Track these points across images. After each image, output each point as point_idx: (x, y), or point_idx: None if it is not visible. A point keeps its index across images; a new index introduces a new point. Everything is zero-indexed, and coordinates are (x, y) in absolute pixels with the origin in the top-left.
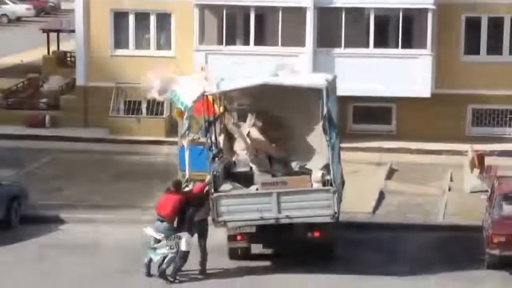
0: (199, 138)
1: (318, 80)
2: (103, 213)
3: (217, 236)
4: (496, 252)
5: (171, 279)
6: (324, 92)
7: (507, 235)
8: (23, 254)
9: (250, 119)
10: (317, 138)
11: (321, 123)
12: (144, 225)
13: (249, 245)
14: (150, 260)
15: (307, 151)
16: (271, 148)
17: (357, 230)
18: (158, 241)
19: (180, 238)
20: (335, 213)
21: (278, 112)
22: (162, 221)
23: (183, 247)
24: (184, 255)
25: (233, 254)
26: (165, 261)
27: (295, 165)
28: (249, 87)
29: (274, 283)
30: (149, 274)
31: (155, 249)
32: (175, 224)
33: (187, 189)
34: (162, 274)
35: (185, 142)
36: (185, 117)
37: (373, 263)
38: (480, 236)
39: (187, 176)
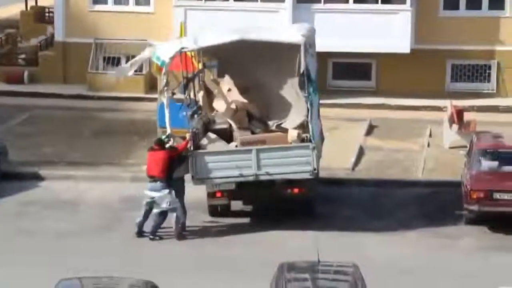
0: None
1: (296, 35)
2: (82, 169)
3: (196, 193)
4: (474, 207)
5: (151, 236)
6: (302, 48)
7: (485, 190)
8: (3, 211)
9: (227, 76)
10: (295, 94)
11: (298, 79)
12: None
13: (228, 202)
14: (143, 221)
15: (285, 108)
16: (250, 105)
17: (337, 186)
18: (152, 201)
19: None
20: (314, 169)
21: (256, 68)
22: (155, 181)
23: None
24: (165, 213)
25: (213, 211)
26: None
27: (272, 123)
28: (226, 42)
29: (253, 240)
30: (140, 234)
31: (151, 206)
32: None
33: (168, 145)
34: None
35: (164, 98)
36: (163, 72)
37: (352, 219)
38: (459, 192)
39: (168, 132)
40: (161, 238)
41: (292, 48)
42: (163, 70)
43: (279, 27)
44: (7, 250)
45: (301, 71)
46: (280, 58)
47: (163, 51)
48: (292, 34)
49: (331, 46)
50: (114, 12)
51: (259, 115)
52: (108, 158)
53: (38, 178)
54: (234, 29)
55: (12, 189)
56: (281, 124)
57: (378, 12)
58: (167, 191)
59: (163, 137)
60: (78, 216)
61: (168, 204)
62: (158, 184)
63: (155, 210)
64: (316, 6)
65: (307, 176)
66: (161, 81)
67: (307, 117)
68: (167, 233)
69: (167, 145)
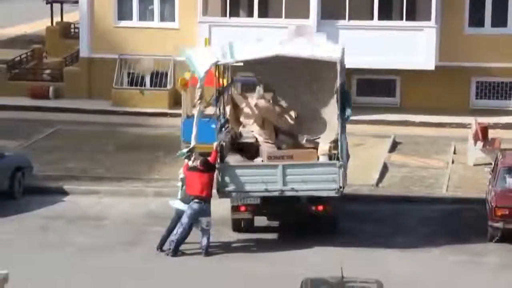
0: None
1: (333, 52)
2: (106, 185)
3: (221, 208)
4: (499, 225)
5: (173, 253)
6: (339, 65)
7: (510, 208)
8: (26, 226)
9: (259, 90)
10: (327, 111)
11: (333, 96)
12: (171, 198)
13: (252, 217)
14: (167, 236)
15: (315, 124)
16: (278, 119)
17: (360, 202)
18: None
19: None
20: (340, 187)
21: (291, 83)
22: (203, 202)
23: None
24: (190, 230)
25: (236, 225)
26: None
27: (302, 138)
28: (263, 57)
29: (277, 256)
30: (162, 248)
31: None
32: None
33: (192, 161)
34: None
35: (195, 112)
36: (198, 85)
37: (376, 236)
38: (483, 209)
39: (192, 144)
40: (183, 253)
41: (329, 65)
42: (199, 84)
43: (315, 42)
44: (31, 264)
45: (337, 88)
46: (315, 74)
47: (199, 62)
48: (329, 51)
49: (356, 62)
50: (139, 28)
51: (287, 129)
52: (132, 173)
53: (62, 192)
54: (269, 43)
55: (36, 203)
56: (312, 139)
57: (402, 28)
58: (210, 212)
59: (185, 151)
60: (102, 231)
61: (207, 224)
62: (205, 205)
63: (185, 226)
64: (341, 22)
65: (332, 194)
66: (196, 94)
67: (338, 134)
68: (189, 249)
69: (191, 163)
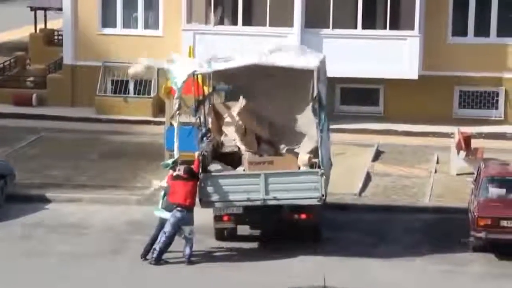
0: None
1: (310, 61)
2: (89, 192)
3: (203, 217)
4: (481, 234)
5: (155, 261)
6: (316, 74)
7: (493, 218)
8: (9, 233)
9: (241, 99)
10: (306, 120)
11: (310, 105)
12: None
13: (235, 226)
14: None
15: (296, 133)
16: (259, 129)
17: (343, 211)
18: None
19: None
20: (323, 195)
21: (269, 92)
22: (186, 210)
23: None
24: (173, 239)
25: (219, 234)
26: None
27: (283, 147)
28: (240, 66)
29: (260, 265)
30: (146, 257)
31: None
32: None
33: (176, 172)
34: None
35: (175, 122)
36: (175, 96)
37: (359, 245)
38: (466, 219)
39: (176, 156)
40: (166, 262)
41: (306, 74)
42: (176, 94)
43: (292, 50)
44: (11, 271)
45: (314, 97)
46: (293, 83)
47: (177, 73)
48: (306, 60)
49: (339, 71)
50: (123, 36)
51: (268, 139)
52: (115, 181)
53: (45, 200)
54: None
55: (18, 211)
56: (292, 148)
57: (386, 38)
58: (193, 220)
59: (169, 161)
60: (84, 239)
61: (190, 232)
62: (187, 214)
63: (168, 234)
64: (325, 31)
65: (315, 202)
66: (174, 105)
67: (318, 143)
68: (173, 258)
69: (175, 173)
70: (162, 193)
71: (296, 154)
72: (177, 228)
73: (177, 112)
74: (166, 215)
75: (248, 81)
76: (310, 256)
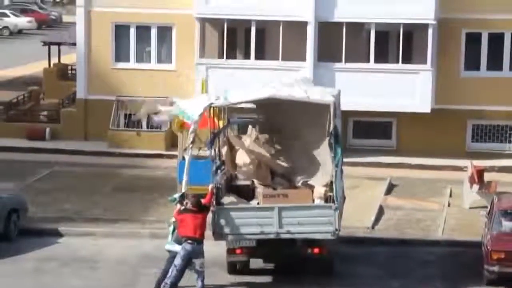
0: (200, 150)
1: (327, 95)
2: (102, 226)
3: (216, 250)
4: (495, 268)
5: None
6: (332, 108)
7: (506, 251)
8: (22, 267)
9: (253, 132)
10: (321, 153)
11: (326, 139)
12: (163, 241)
13: (248, 260)
14: (162, 278)
15: (311, 167)
16: (273, 162)
17: (356, 245)
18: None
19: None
20: (336, 230)
21: (283, 125)
22: (196, 242)
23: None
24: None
25: (232, 268)
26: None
27: (298, 180)
28: (256, 99)
29: None
30: None
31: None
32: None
33: (184, 205)
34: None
35: (186, 156)
36: (191, 129)
37: (372, 279)
38: (479, 252)
39: (184, 190)
40: None
41: (322, 108)
42: (192, 127)
43: (309, 85)
44: None
45: (330, 131)
46: (309, 117)
47: (192, 107)
48: (322, 94)
49: (352, 104)
50: (136, 70)
51: (283, 172)
52: (128, 215)
53: (57, 234)
54: (264, 86)
55: (31, 245)
56: (307, 181)
57: (399, 71)
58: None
59: (176, 196)
60: (97, 273)
61: (201, 266)
62: (199, 246)
63: (179, 268)
64: (338, 65)
65: (328, 236)
66: (188, 138)
67: (333, 177)
68: None
69: (183, 206)
70: (171, 227)
71: (311, 187)
72: (187, 261)
73: (191, 146)
74: (176, 248)
75: (263, 113)
76: None
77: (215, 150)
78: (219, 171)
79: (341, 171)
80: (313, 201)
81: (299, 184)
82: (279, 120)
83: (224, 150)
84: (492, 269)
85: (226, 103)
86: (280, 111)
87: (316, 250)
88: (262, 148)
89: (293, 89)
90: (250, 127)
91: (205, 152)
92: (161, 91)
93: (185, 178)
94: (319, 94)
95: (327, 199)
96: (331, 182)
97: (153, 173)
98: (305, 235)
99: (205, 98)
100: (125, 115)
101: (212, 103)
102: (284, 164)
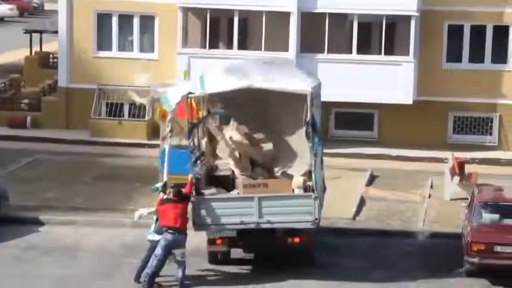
0: (180, 142)
1: (303, 85)
2: (83, 215)
3: (197, 240)
4: (475, 260)
5: (148, 286)
6: (309, 98)
7: (486, 243)
8: (2, 255)
9: (232, 123)
10: (299, 143)
11: (303, 129)
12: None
13: (229, 250)
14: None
15: (290, 156)
16: (253, 152)
17: (338, 236)
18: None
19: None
20: (316, 219)
21: (263, 115)
22: (177, 232)
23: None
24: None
25: (213, 258)
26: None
27: (277, 170)
28: (234, 89)
29: None
30: (138, 280)
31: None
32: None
33: (166, 195)
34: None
35: (166, 145)
36: (168, 119)
37: (353, 269)
38: (459, 244)
39: (165, 179)
40: (159, 285)
41: (299, 98)
42: (169, 117)
43: (287, 73)
44: None
45: (307, 120)
46: (286, 107)
47: (172, 95)
48: (299, 84)
49: (334, 96)
50: (118, 59)
51: (263, 162)
52: (110, 204)
53: (39, 223)
54: (240, 73)
55: (11, 233)
56: (286, 171)
57: (381, 63)
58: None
59: (158, 185)
60: (78, 262)
61: (182, 256)
62: (178, 236)
63: (160, 257)
64: (320, 56)
65: (308, 226)
66: (166, 127)
67: (311, 166)
68: (166, 281)
69: (165, 196)
70: (155, 217)
71: (291, 177)
72: (168, 251)
73: (169, 135)
74: (157, 238)
75: (241, 103)
76: (303, 280)
77: (193, 141)
78: (198, 161)
79: (321, 161)
80: (293, 190)
81: (278, 174)
82: (258, 110)
83: (204, 141)
84: (472, 261)
85: (203, 93)
86: (258, 101)
87: (296, 240)
88: (242, 138)
89: (270, 79)
90: (232, 119)
91: (186, 142)
92: (143, 80)
93: (166, 167)
94: (296, 84)
95: (306, 188)
96: (310, 172)
97: (135, 162)
98: (285, 225)
99: (183, 86)
100: (107, 104)
101: (190, 93)
102: (264, 154)
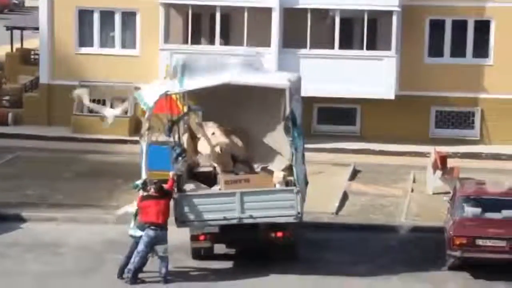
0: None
1: (282, 80)
2: (65, 212)
3: (180, 236)
4: (457, 253)
5: (131, 282)
6: (287, 92)
7: (468, 237)
8: None
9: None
10: (279, 138)
11: (283, 123)
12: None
13: (212, 245)
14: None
15: (270, 152)
16: (235, 148)
17: (320, 230)
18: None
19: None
20: (298, 213)
21: (242, 111)
22: (159, 228)
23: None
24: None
25: (196, 254)
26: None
27: (257, 166)
28: (212, 86)
29: (237, 284)
30: (121, 276)
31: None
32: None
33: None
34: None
35: (143, 142)
36: (146, 116)
37: (336, 264)
38: (441, 238)
39: (144, 177)
40: (142, 281)
41: (278, 93)
42: (146, 114)
43: (264, 69)
44: None
45: (286, 115)
46: (265, 102)
47: (148, 94)
48: (277, 78)
49: (316, 91)
50: (100, 55)
51: (244, 158)
52: (91, 200)
53: (20, 219)
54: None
55: None
56: (266, 166)
57: (363, 58)
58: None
59: (138, 182)
60: (60, 258)
61: (164, 251)
62: (162, 232)
63: (142, 254)
64: (302, 51)
65: (291, 220)
66: (143, 125)
67: (292, 161)
68: (149, 277)
69: (145, 193)
70: (134, 212)
71: (271, 172)
72: (150, 247)
73: (147, 133)
74: (139, 234)
75: (221, 100)
76: (287, 275)
77: (174, 138)
78: (180, 158)
79: (303, 156)
80: (274, 185)
81: (258, 170)
82: (238, 105)
83: (185, 137)
84: (454, 255)
85: (181, 90)
86: (238, 97)
87: (279, 234)
88: (223, 134)
89: (249, 75)
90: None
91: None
92: (125, 76)
93: (144, 164)
94: (275, 79)
95: (287, 183)
96: (291, 167)
97: (117, 159)
98: (267, 219)
99: (162, 84)
100: (89, 100)
101: (168, 91)
102: (245, 150)
